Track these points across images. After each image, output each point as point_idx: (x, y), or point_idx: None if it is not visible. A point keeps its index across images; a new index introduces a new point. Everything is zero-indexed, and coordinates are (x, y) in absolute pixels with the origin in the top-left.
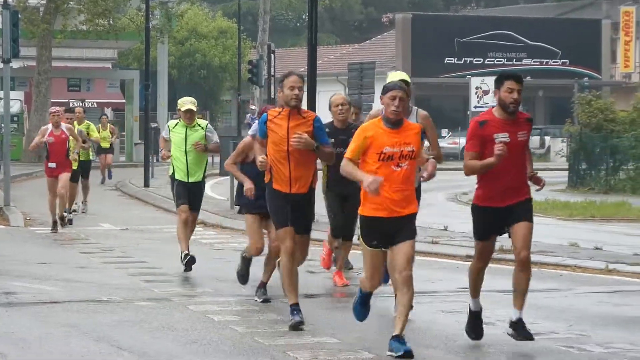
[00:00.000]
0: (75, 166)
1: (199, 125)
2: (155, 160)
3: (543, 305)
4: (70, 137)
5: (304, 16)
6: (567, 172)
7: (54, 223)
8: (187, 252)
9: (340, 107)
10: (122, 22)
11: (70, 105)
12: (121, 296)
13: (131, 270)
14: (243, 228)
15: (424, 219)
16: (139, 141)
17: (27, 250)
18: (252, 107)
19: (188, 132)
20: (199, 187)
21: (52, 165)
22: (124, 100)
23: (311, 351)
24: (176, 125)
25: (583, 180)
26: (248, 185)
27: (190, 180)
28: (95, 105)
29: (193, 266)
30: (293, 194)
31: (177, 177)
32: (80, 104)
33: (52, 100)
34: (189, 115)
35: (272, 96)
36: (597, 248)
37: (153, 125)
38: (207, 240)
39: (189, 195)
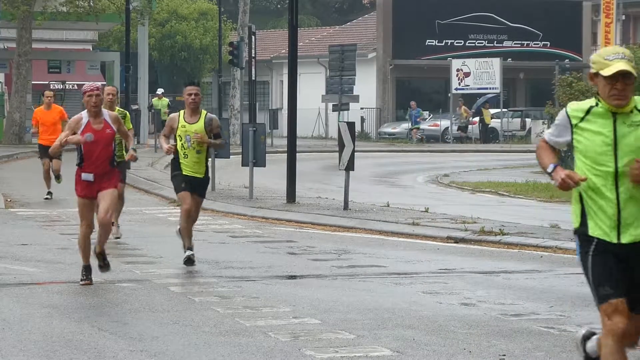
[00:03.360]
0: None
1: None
2: (136, 143)
3: (524, 287)
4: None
5: None
6: None
7: (87, 269)
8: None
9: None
10: (102, 3)
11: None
12: (102, 277)
13: (112, 252)
14: (224, 210)
15: (405, 200)
16: None
17: (8, 232)
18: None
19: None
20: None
21: (89, 177)
22: (105, 82)
23: (292, 332)
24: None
25: (564, 163)
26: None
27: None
28: (76, 87)
29: (172, 247)
30: None
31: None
32: (61, 86)
33: (32, 82)
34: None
35: (253, 78)
36: None
37: (134, 107)
38: None
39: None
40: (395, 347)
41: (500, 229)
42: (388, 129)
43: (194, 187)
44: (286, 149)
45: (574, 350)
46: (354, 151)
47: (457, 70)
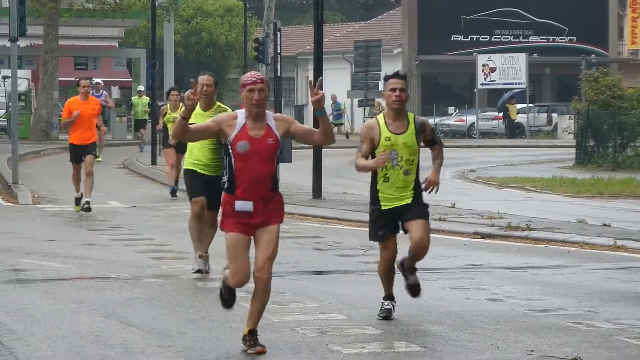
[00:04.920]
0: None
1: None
2: None
3: (551, 282)
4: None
5: None
6: (574, 149)
7: (252, 333)
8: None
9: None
10: (128, 0)
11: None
12: (129, 273)
13: (139, 248)
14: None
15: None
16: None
17: (36, 228)
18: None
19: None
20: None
21: (246, 206)
22: (131, 79)
23: (319, 328)
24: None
25: (591, 157)
26: None
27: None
28: (102, 84)
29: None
30: None
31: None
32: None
33: (59, 78)
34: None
35: (279, 74)
36: (605, 225)
37: (160, 103)
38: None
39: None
40: (422, 343)
41: (527, 225)
42: None
43: (396, 226)
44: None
45: (602, 345)
46: None
47: (483, 65)
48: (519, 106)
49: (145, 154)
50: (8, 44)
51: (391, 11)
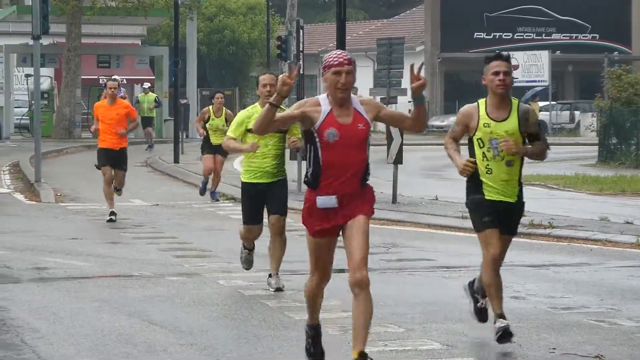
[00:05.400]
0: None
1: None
2: (185, 137)
3: (573, 280)
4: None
5: None
6: (597, 146)
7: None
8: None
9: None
10: None
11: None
12: (152, 271)
13: (162, 246)
14: None
15: (454, 193)
16: (169, 117)
17: (59, 226)
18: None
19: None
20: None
21: (330, 201)
22: (154, 77)
23: (342, 326)
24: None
25: (613, 155)
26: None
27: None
28: (125, 82)
29: (221, 241)
30: None
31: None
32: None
33: (82, 77)
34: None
35: (301, 72)
36: (627, 222)
37: (183, 101)
38: (237, 216)
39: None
40: (444, 341)
41: (549, 222)
42: (437, 122)
43: (501, 220)
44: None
45: (624, 343)
46: (402, 144)
47: None
48: (541, 104)
49: (167, 152)
50: (31, 42)
51: (414, 9)
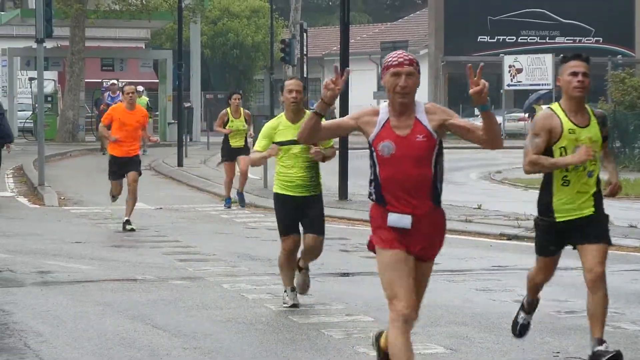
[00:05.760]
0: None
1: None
2: (189, 140)
3: (577, 284)
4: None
5: None
6: None
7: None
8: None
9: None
10: (154, 1)
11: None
12: (155, 275)
13: (165, 249)
14: None
15: (458, 197)
16: (173, 121)
17: (62, 230)
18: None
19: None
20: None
21: (402, 221)
22: (157, 80)
23: (345, 329)
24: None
25: (617, 158)
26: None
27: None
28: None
29: (225, 245)
30: None
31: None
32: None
33: (85, 80)
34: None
35: (305, 75)
36: (631, 226)
37: (186, 104)
38: (241, 220)
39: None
40: (448, 345)
41: None
42: None
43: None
44: (338, 146)
45: (628, 347)
46: None
47: (510, 66)
48: (545, 107)
49: (172, 155)
50: (35, 45)
51: (417, 12)
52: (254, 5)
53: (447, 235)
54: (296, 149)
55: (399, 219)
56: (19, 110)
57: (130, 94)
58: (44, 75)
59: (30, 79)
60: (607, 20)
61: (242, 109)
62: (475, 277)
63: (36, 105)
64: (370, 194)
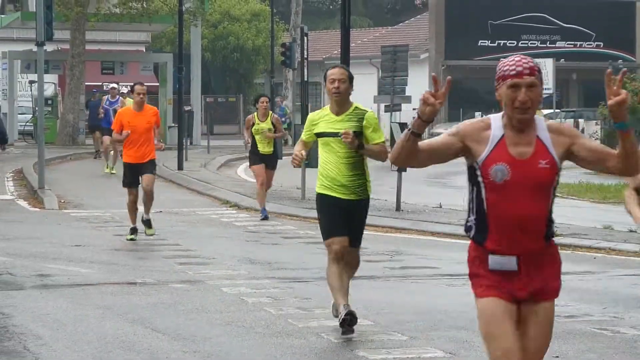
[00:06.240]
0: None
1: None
2: (189, 144)
3: (577, 288)
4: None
5: None
6: None
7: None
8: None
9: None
10: (155, 5)
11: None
12: (155, 278)
13: (165, 253)
14: (276, 211)
15: (459, 201)
16: (173, 124)
17: (62, 233)
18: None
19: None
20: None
21: (506, 262)
22: (158, 84)
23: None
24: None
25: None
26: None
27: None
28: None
29: (225, 248)
30: None
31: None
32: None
33: (85, 83)
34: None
35: (305, 79)
36: (631, 231)
37: (187, 108)
38: (241, 223)
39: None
40: (448, 349)
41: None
42: (441, 129)
43: None
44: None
45: (627, 352)
46: None
47: None
48: (545, 112)
49: (172, 158)
50: (35, 48)
51: (418, 16)
52: (255, 9)
53: (447, 240)
54: (336, 143)
55: (502, 262)
56: (19, 113)
57: (142, 95)
58: (44, 78)
59: (31, 82)
60: (608, 25)
61: (271, 112)
62: None
63: (36, 108)
64: (468, 228)
